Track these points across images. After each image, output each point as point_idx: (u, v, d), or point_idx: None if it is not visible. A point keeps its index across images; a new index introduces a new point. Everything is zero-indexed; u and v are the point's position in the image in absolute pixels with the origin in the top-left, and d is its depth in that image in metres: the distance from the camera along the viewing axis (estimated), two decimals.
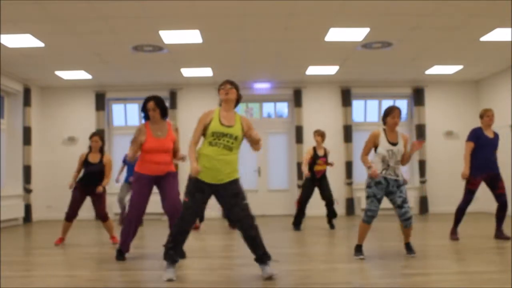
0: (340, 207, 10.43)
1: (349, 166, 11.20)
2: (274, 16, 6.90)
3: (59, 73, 10.04)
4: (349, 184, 11.19)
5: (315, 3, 6.43)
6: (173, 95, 11.26)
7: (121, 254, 5.46)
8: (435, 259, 5.16)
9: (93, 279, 4.47)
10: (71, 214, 6.73)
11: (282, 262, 5.04)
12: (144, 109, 5.40)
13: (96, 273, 4.75)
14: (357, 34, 7.74)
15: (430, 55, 9.15)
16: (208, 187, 4.34)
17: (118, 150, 11.21)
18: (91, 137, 6.82)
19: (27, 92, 10.49)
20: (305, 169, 8.03)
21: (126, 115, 11.73)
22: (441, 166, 11.28)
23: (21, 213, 10.07)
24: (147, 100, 5.38)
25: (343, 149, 11.16)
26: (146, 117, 5.42)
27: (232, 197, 4.36)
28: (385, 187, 5.25)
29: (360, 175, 11.47)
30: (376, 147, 5.37)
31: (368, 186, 5.29)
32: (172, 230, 4.43)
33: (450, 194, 11.12)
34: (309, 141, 11.02)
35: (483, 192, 11.19)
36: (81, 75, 10.22)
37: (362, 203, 11.18)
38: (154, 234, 8.09)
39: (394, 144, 5.30)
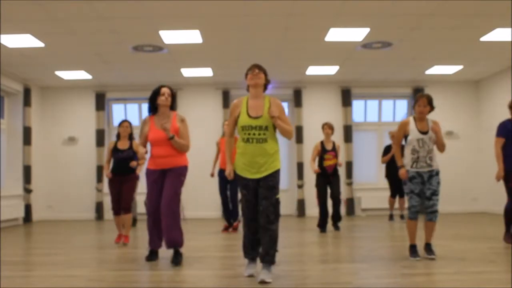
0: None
1: (349, 166, 11.20)
2: (274, 16, 6.90)
3: (59, 73, 10.04)
4: (349, 184, 11.20)
5: (315, 3, 6.43)
6: (173, 95, 11.22)
7: (150, 254, 5.34)
8: (435, 259, 5.15)
9: (93, 279, 4.46)
10: (115, 207, 6.65)
11: (282, 262, 5.04)
12: (152, 99, 5.24)
13: (96, 273, 4.75)
14: (357, 34, 7.74)
15: (430, 55, 9.15)
16: (252, 182, 4.27)
17: None
18: (121, 123, 6.69)
19: (27, 92, 10.49)
20: (313, 165, 7.81)
21: (126, 115, 11.73)
22: (440, 166, 11.23)
23: (21, 213, 10.07)
24: (160, 87, 5.29)
25: (343, 149, 11.15)
26: (152, 109, 5.27)
27: (267, 189, 4.21)
28: (420, 181, 5.13)
29: (361, 175, 11.50)
30: (406, 136, 5.20)
31: (404, 182, 5.23)
32: (244, 230, 4.45)
33: (450, 194, 11.13)
34: (309, 141, 11.05)
35: (483, 192, 11.19)
36: (81, 75, 10.22)
37: (362, 203, 11.20)
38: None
39: (424, 132, 5.12)
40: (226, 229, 8.15)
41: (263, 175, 4.24)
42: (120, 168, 6.62)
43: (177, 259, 5.07)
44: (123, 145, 6.67)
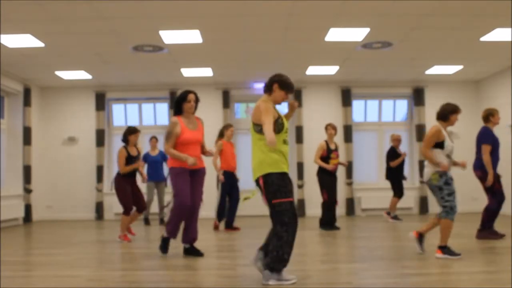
0: (340, 207, 10.42)
1: (349, 166, 11.18)
2: (274, 16, 6.90)
3: (59, 73, 10.04)
4: (349, 184, 11.19)
5: (315, 3, 6.43)
6: (173, 95, 11.26)
7: (165, 243, 5.59)
8: (435, 259, 5.16)
9: (93, 279, 4.47)
10: (130, 208, 7.04)
11: None
12: (179, 101, 5.48)
13: (96, 273, 4.76)
14: (357, 34, 7.74)
15: (430, 55, 9.15)
16: None
17: None
18: (135, 131, 7.08)
19: (27, 92, 10.49)
20: (323, 163, 7.95)
21: (126, 115, 11.73)
22: None
23: (21, 213, 10.06)
24: (188, 92, 5.52)
25: (343, 149, 11.15)
26: (179, 111, 5.51)
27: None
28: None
29: (361, 175, 11.49)
30: (439, 142, 5.31)
31: (447, 183, 5.23)
32: (284, 240, 4.09)
33: None
34: (309, 141, 11.05)
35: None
36: (81, 75, 10.22)
37: (362, 203, 11.19)
38: (154, 234, 8.09)
39: (452, 141, 5.42)
40: (217, 227, 8.38)
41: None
42: (133, 174, 7.11)
43: (199, 251, 5.59)
44: (133, 151, 7.13)
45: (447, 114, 5.42)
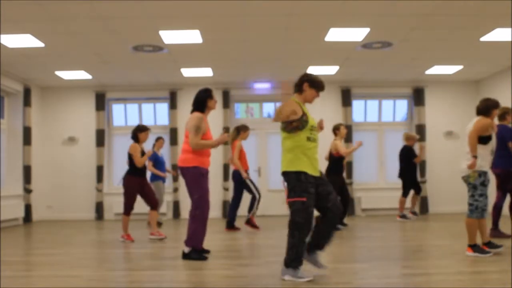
0: None
1: (349, 166, 11.19)
2: (274, 16, 6.90)
3: (59, 73, 10.04)
4: (349, 184, 11.19)
5: (315, 3, 6.43)
6: (173, 95, 11.27)
7: (201, 253, 5.36)
8: (435, 259, 5.16)
9: (93, 279, 4.47)
10: (130, 209, 7.02)
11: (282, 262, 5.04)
12: (205, 99, 5.43)
13: (97, 273, 4.76)
14: (357, 34, 7.74)
15: (430, 55, 9.15)
16: (314, 181, 4.20)
17: (118, 150, 11.22)
18: (145, 129, 7.12)
19: (27, 92, 10.49)
20: (348, 150, 8.06)
21: (126, 115, 11.73)
22: (441, 166, 11.29)
23: (21, 213, 10.06)
24: (211, 90, 5.51)
25: None
26: (202, 108, 5.44)
27: (327, 184, 4.28)
28: None
29: (360, 175, 11.49)
30: (484, 137, 5.24)
31: (483, 184, 5.14)
32: (296, 239, 4.11)
33: (450, 194, 11.13)
34: None
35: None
36: (81, 75, 10.22)
37: (362, 203, 11.19)
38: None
39: None
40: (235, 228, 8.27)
41: (318, 174, 4.28)
42: (144, 172, 7.12)
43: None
44: (144, 149, 7.20)
45: (490, 108, 5.36)
